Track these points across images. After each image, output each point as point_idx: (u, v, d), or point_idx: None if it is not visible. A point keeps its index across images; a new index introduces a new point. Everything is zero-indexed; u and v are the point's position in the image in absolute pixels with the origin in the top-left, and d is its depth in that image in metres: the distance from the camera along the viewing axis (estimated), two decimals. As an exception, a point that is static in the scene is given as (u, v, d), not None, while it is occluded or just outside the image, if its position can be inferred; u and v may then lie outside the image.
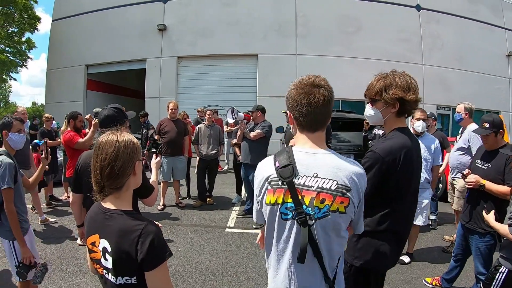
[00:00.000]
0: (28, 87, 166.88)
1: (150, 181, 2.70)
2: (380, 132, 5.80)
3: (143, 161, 1.69)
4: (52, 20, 20.14)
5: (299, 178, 1.52)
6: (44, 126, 7.61)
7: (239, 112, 6.31)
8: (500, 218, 3.19)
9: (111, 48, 17.82)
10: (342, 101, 15.01)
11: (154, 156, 2.94)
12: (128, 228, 1.42)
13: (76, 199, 2.91)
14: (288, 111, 1.67)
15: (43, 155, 3.21)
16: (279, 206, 1.54)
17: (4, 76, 28.85)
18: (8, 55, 26.31)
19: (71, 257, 4.72)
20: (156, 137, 6.93)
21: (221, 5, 16.55)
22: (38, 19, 25.99)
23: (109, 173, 1.44)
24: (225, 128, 10.12)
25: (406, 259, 4.74)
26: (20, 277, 2.93)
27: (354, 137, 7.09)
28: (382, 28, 16.10)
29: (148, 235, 1.38)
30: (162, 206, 7.05)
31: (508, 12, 18.28)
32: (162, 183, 7.08)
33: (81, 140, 5.32)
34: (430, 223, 6.04)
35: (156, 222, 1.54)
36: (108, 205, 1.51)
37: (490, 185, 3.17)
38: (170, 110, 7.05)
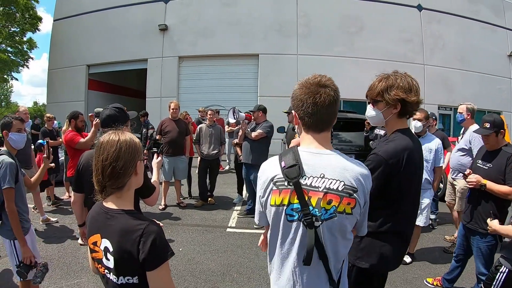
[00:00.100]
0: (29, 87, 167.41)
1: (152, 181, 2.70)
2: (381, 132, 5.79)
3: (145, 160, 1.67)
4: (54, 20, 20.14)
5: (305, 178, 1.49)
6: (46, 126, 7.63)
7: (240, 112, 6.31)
8: (501, 218, 3.20)
9: (112, 48, 17.82)
10: (343, 101, 14.87)
11: (155, 155, 2.94)
12: (130, 227, 1.42)
13: (78, 199, 2.91)
14: (293, 111, 1.65)
15: (45, 155, 3.22)
16: (285, 207, 1.51)
17: (5, 76, 28.92)
18: (10, 55, 26.38)
19: (72, 257, 4.72)
20: (157, 137, 6.94)
21: (222, 5, 16.53)
22: (40, 19, 26.05)
23: (110, 172, 1.44)
24: (226, 128, 10.13)
25: (407, 259, 4.74)
26: (20, 276, 2.94)
27: (355, 137, 7.07)
28: (383, 28, 16.06)
29: (149, 234, 1.38)
30: (163, 206, 7.05)
31: (510, 12, 18.21)
32: (163, 183, 7.09)
33: (82, 140, 5.32)
34: (431, 222, 6.04)
35: (158, 222, 1.54)
36: (109, 204, 1.51)
37: (491, 185, 3.17)
38: (171, 110, 7.05)
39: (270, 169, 1.59)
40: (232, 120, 6.47)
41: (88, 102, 18.73)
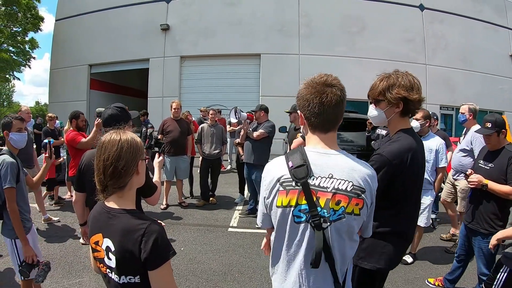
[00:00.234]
0: (31, 87, 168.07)
1: (153, 181, 2.70)
2: (383, 132, 5.79)
3: (146, 160, 1.67)
4: (56, 20, 20.20)
5: (313, 179, 1.47)
6: (48, 125, 7.64)
7: (242, 112, 6.31)
8: (502, 218, 3.20)
9: (114, 48, 17.85)
10: (345, 101, 14.87)
11: (156, 155, 2.95)
12: (132, 227, 1.42)
13: (79, 198, 2.92)
14: (298, 111, 1.63)
15: (47, 155, 3.22)
16: (292, 208, 1.48)
17: (7, 76, 28.99)
18: (12, 54, 26.44)
19: (74, 256, 4.73)
20: (159, 137, 6.95)
21: (224, 5, 16.55)
22: (42, 19, 26.13)
23: (112, 172, 1.45)
24: (228, 128, 10.14)
25: (409, 259, 4.74)
26: (22, 275, 2.95)
27: (357, 137, 7.08)
28: (385, 28, 16.05)
29: (151, 234, 1.38)
30: (165, 206, 7.06)
31: (512, 12, 18.21)
32: (165, 183, 7.11)
33: (83, 139, 5.32)
34: (432, 222, 6.03)
35: (160, 221, 1.54)
36: (111, 204, 1.51)
37: (492, 185, 3.16)
38: (173, 110, 7.05)
39: (276, 169, 1.56)
40: (234, 120, 6.47)
41: (90, 102, 18.77)
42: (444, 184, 5.70)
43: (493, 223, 3.22)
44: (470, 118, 4.96)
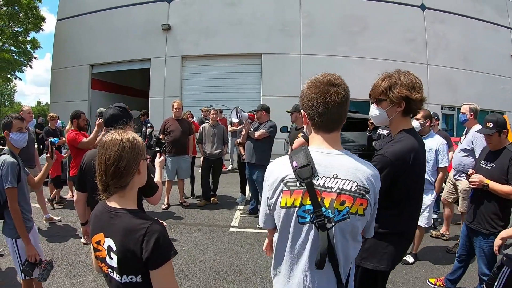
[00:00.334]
0: (32, 87, 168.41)
1: (155, 180, 2.70)
2: (385, 132, 5.77)
3: (148, 159, 1.67)
4: (57, 20, 20.24)
5: (318, 179, 1.46)
6: (49, 125, 7.65)
7: (243, 111, 6.30)
8: (503, 218, 3.19)
9: (115, 48, 17.89)
10: (346, 101, 14.86)
11: (157, 155, 2.95)
12: (133, 226, 1.42)
13: (80, 198, 2.93)
14: (302, 110, 1.62)
15: (48, 154, 3.22)
16: (296, 209, 1.47)
17: (9, 76, 29.04)
18: (13, 54, 26.47)
19: (75, 256, 4.74)
20: (160, 136, 6.95)
21: (225, 5, 16.57)
22: (43, 18, 26.14)
23: (113, 172, 1.45)
24: (229, 128, 10.14)
25: (410, 259, 4.73)
26: (26, 274, 2.95)
27: (358, 137, 7.06)
28: (386, 28, 16.05)
29: (153, 233, 1.39)
30: (166, 205, 7.06)
31: (514, 12, 18.19)
32: (166, 182, 7.12)
33: (84, 139, 5.33)
34: (433, 222, 6.02)
35: (161, 221, 1.54)
36: (113, 204, 1.51)
37: (494, 185, 3.16)
38: (174, 110, 7.05)
39: (279, 169, 1.55)
40: (235, 120, 6.47)
41: (91, 102, 18.81)
42: (445, 184, 5.69)
43: (494, 223, 3.22)
44: (471, 118, 4.95)
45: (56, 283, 3.95)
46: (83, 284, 3.98)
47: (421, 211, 4.55)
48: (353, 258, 1.58)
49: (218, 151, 7.34)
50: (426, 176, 4.56)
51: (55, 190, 6.96)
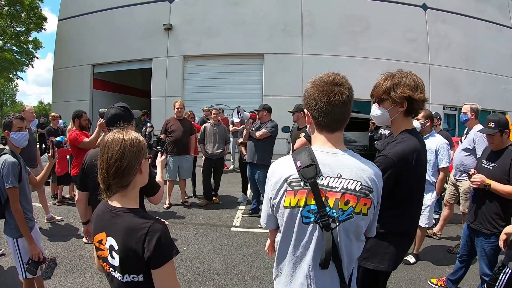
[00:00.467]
0: (34, 86, 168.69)
1: (156, 180, 2.70)
2: (386, 132, 5.77)
3: (149, 159, 1.68)
4: (59, 20, 20.29)
5: (322, 178, 1.46)
6: (51, 125, 7.67)
7: (245, 111, 6.30)
8: (505, 218, 3.19)
9: (117, 48, 17.91)
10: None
11: (159, 154, 2.95)
12: (135, 226, 1.42)
13: (82, 197, 2.93)
14: (305, 110, 1.61)
15: (50, 154, 3.23)
16: (300, 209, 1.46)
17: (11, 75, 29.09)
18: (15, 54, 26.52)
19: (77, 255, 4.75)
20: (162, 136, 6.95)
21: (227, 5, 16.56)
22: (45, 18, 26.17)
23: (115, 171, 1.45)
24: (231, 128, 10.14)
25: (411, 259, 4.73)
26: (30, 273, 2.96)
27: (360, 137, 7.06)
28: (388, 28, 16.03)
29: (155, 233, 1.39)
30: (167, 205, 7.07)
31: (516, 12, 18.14)
32: (168, 182, 7.12)
33: (86, 139, 5.33)
34: (434, 222, 6.01)
35: (163, 220, 1.54)
36: (114, 203, 1.51)
37: (495, 185, 3.16)
38: (176, 109, 7.06)
39: (283, 169, 1.54)
40: (236, 120, 6.46)
41: (93, 101, 18.85)
42: (446, 184, 5.67)
43: (495, 223, 3.21)
44: (472, 117, 4.95)
45: (57, 283, 3.96)
46: (84, 283, 3.99)
47: (421, 211, 4.55)
48: (356, 258, 1.58)
49: (220, 150, 7.34)
50: (427, 177, 4.56)
51: (61, 186, 7.01)
